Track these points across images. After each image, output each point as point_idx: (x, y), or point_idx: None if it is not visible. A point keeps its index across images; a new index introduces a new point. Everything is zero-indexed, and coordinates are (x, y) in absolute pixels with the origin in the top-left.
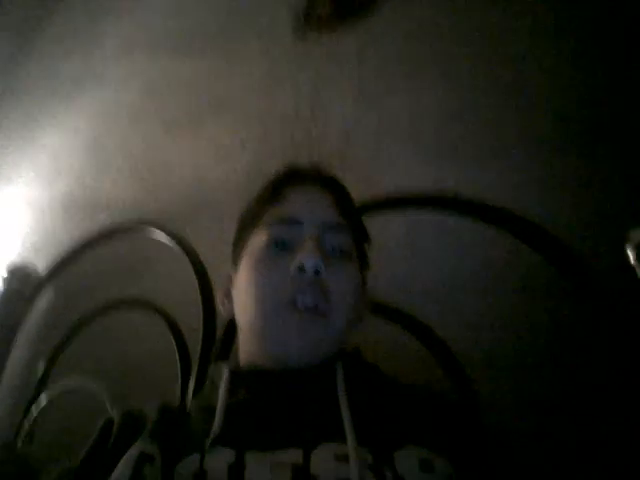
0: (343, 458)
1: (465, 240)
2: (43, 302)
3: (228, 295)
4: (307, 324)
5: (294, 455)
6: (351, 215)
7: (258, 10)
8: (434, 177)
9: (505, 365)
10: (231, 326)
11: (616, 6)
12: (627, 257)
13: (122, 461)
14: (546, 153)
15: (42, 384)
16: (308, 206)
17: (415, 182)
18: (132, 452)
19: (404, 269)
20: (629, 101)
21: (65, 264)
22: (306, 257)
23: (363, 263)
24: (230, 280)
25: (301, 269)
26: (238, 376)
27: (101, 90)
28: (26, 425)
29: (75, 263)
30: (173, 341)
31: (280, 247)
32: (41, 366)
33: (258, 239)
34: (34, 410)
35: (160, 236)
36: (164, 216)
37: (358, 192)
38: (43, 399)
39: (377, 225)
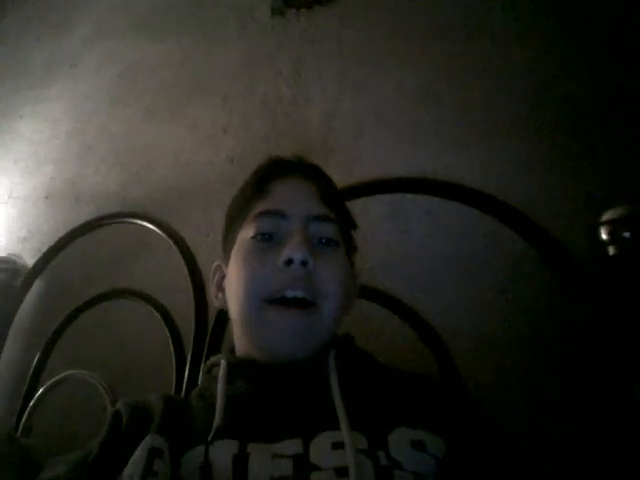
0: (339, 445)
1: (449, 223)
2: (33, 294)
3: (220, 287)
4: (296, 318)
5: (294, 445)
6: (336, 204)
7: None
8: (416, 160)
9: (489, 347)
10: (222, 314)
11: None
12: (600, 236)
13: (133, 457)
14: (526, 137)
15: (37, 376)
16: (293, 198)
17: (397, 165)
18: (142, 448)
19: (388, 252)
20: (609, 85)
21: (53, 255)
22: (293, 250)
23: (350, 248)
24: (221, 272)
25: (289, 262)
26: (235, 367)
27: (76, 76)
28: (24, 417)
29: (63, 254)
30: (166, 330)
31: (267, 240)
32: (35, 358)
33: (245, 233)
34: (30, 402)
35: (147, 225)
36: (148, 203)
37: (341, 175)
38: (39, 391)
39: (360, 208)
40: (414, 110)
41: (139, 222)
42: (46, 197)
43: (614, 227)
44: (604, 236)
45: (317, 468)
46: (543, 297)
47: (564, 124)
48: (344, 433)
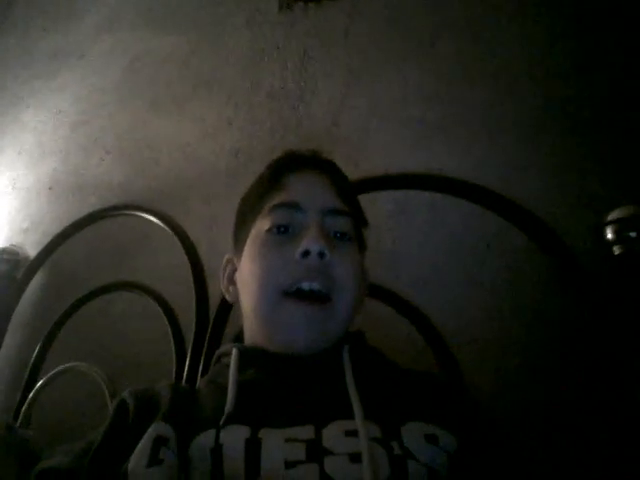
0: (353, 433)
1: (452, 220)
2: (35, 286)
3: (232, 281)
4: (312, 313)
5: (306, 431)
6: (350, 199)
7: None
8: (421, 157)
9: (491, 345)
10: (224, 306)
11: None
12: (605, 236)
13: (139, 445)
14: (531, 136)
15: (37, 367)
16: (309, 191)
17: (402, 161)
18: (148, 437)
19: (391, 248)
20: (613, 84)
21: (55, 246)
22: (311, 242)
23: (361, 246)
24: (233, 266)
25: (306, 254)
26: (246, 356)
27: (83, 67)
28: (23, 409)
29: (65, 245)
30: (167, 322)
31: (283, 232)
32: (36, 350)
33: (260, 225)
34: (30, 394)
35: (150, 218)
36: (152, 195)
37: (346, 170)
38: (39, 383)
39: (364, 204)
40: (419, 106)
41: (142, 214)
42: (50, 188)
43: (620, 227)
44: (610, 235)
45: (330, 453)
46: (546, 296)
47: (568, 123)
48: (357, 419)
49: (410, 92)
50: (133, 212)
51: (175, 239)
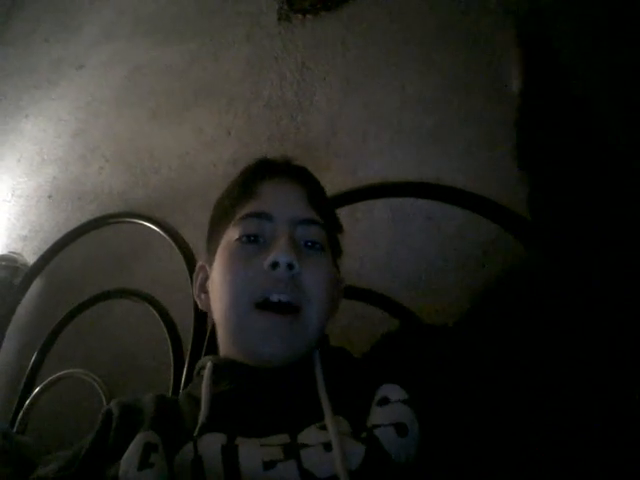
0: (326, 428)
1: (449, 228)
2: (33, 293)
3: (204, 288)
4: (280, 324)
5: (281, 439)
6: (323, 207)
7: None
8: (418, 165)
9: None
10: None
11: None
12: None
13: (129, 450)
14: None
15: (35, 374)
16: (280, 201)
17: (400, 169)
18: (137, 442)
19: (389, 255)
20: (609, 95)
21: (54, 254)
22: (279, 254)
23: (336, 251)
24: (205, 273)
25: (274, 265)
26: (220, 368)
27: (83, 76)
28: (20, 415)
29: (64, 253)
30: (165, 330)
31: (253, 242)
32: (33, 356)
33: (231, 234)
34: (27, 400)
35: (149, 226)
36: (151, 204)
37: (344, 178)
38: (36, 389)
39: (361, 212)
40: (417, 115)
41: (141, 222)
42: (49, 196)
43: None
44: None
45: (305, 445)
46: (542, 301)
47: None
48: (326, 413)
49: (407, 100)
50: (132, 220)
51: (174, 247)
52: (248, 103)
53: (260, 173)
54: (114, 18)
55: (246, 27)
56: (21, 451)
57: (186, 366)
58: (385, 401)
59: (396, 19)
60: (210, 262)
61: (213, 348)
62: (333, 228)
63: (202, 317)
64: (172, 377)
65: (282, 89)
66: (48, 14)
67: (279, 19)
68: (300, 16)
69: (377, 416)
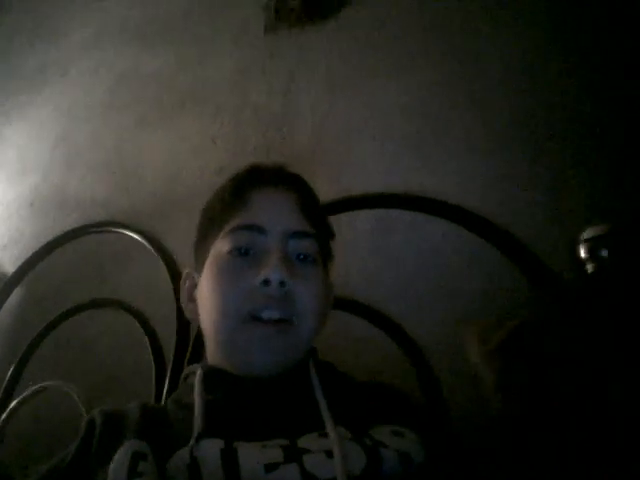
0: (326, 435)
1: (432, 237)
2: (12, 303)
3: (191, 297)
4: (272, 336)
5: (281, 442)
6: (316, 216)
7: (228, 2)
8: (403, 174)
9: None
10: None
11: None
12: (579, 254)
13: (116, 459)
14: (509, 153)
15: (13, 386)
16: (272, 212)
17: (384, 178)
18: (125, 452)
19: (372, 266)
20: (592, 104)
21: (34, 263)
22: (272, 271)
23: (327, 259)
24: (192, 281)
25: (266, 282)
26: (211, 376)
27: (67, 83)
28: None
29: (45, 262)
30: (147, 341)
31: (243, 255)
32: (12, 368)
33: (221, 245)
34: (4, 413)
35: (131, 235)
36: (135, 212)
37: (329, 187)
38: (13, 402)
39: (345, 222)
40: (401, 125)
41: (124, 231)
42: (30, 204)
43: (592, 245)
44: (583, 254)
45: (308, 451)
46: (524, 313)
47: (547, 142)
48: (327, 424)
49: (392, 110)
50: (115, 229)
51: (156, 256)
52: (234, 112)
53: (251, 181)
54: (100, 24)
55: (233, 37)
56: None
57: (168, 377)
58: (399, 434)
59: (381, 30)
60: (198, 271)
61: (196, 359)
62: (325, 236)
63: (184, 328)
64: (154, 388)
65: (268, 98)
66: (33, 19)
67: (266, 30)
68: (287, 27)
69: (386, 438)
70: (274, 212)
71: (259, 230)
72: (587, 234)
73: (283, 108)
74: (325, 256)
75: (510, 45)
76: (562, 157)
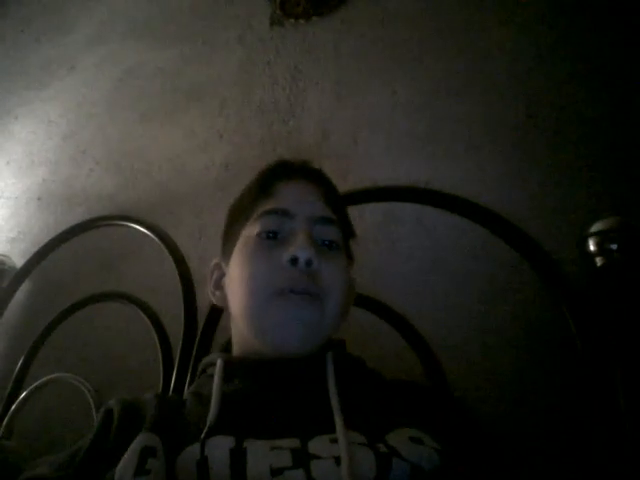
0: (336, 441)
1: (439, 232)
2: (21, 295)
3: (218, 285)
4: (303, 306)
5: (292, 442)
6: (339, 209)
7: None
8: (409, 169)
9: (477, 355)
10: (212, 317)
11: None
12: (587, 247)
13: (125, 455)
14: (517, 148)
15: (22, 378)
16: (298, 199)
17: (390, 173)
18: (134, 447)
19: (379, 259)
20: (599, 98)
21: (42, 256)
22: (299, 249)
23: (349, 256)
24: (220, 270)
25: (293, 261)
26: (231, 366)
27: (74, 78)
28: (5, 420)
29: (53, 255)
30: (154, 333)
31: (272, 238)
32: (21, 360)
33: (250, 231)
34: (14, 405)
35: (139, 228)
36: (142, 207)
37: (335, 182)
38: (23, 393)
39: (352, 216)
40: (408, 120)
41: (130, 225)
42: (38, 198)
43: (601, 239)
44: (592, 247)
45: (317, 457)
46: (532, 307)
47: (553, 137)
48: (338, 427)
49: (398, 105)
50: (121, 222)
51: (164, 249)
52: (240, 106)
53: (278, 174)
54: (106, 20)
55: (239, 31)
56: (6, 456)
57: (175, 370)
58: (418, 440)
59: (387, 24)
60: (227, 259)
61: (203, 352)
62: (347, 231)
63: (192, 320)
64: (161, 381)
65: (274, 93)
66: (39, 14)
67: (272, 23)
68: (292, 21)
69: (403, 445)
70: (300, 199)
71: (287, 214)
72: (595, 227)
73: (289, 102)
74: (347, 251)
75: (517, 42)
76: (570, 151)
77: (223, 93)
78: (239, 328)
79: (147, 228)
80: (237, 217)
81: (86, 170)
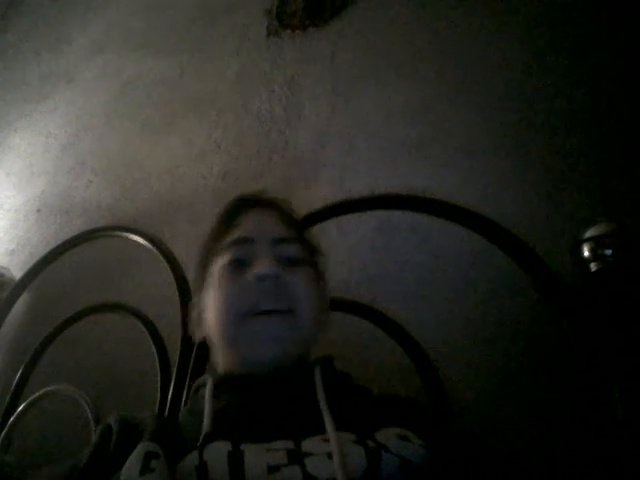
0: (329, 440)
1: (436, 239)
2: (20, 308)
3: (199, 322)
4: (274, 324)
5: (286, 444)
6: (299, 229)
7: (230, 8)
8: (405, 176)
9: (474, 362)
10: None
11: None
12: (582, 253)
13: (130, 459)
14: (511, 155)
15: (20, 390)
16: (259, 226)
17: (386, 181)
18: (138, 451)
19: (375, 267)
20: (591, 105)
21: (41, 268)
22: (262, 267)
23: (318, 269)
24: (198, 307)
25: (260, 279)
26: (221, 383)
27: (73, 90)
28: (3, 432)
29: (51, 267)
30: (152, 345)
31: (239, 265)
32: (19, 372)
33: (220, 262)
34: (12, 417)
35: (137, 239)
36: (140, 218)
37: (331, 190)
38: (21, 406)
39: (348, 224)
40: (403, 127)
41: (129, 236)
42: (38, 210)
43: (596, 244)
44: (586, 253)
45: (310, 454)
46: (528, 314)
47: (548, 143)
48: (328, 426)
49: (394, 112)
50: (120, 233)
51: (162, 260)
52: (237, 116)
53: (239, 207)
54: (105, 31)
55: (236, 42)
56: (4, 470)
57: (173, 381)
58: (405, 438)
59: (383, 35)
60: (201, 295)
61: (201, 362)
62: (310, 248)
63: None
64: (159, 392)
65: (271, 103)
66: (38, 27)
67: (268, 34)
68: (289, 32)
69: (391, 441)
70: (261, 225)
71: (250, 241)
72: (589, 233)
73: (286, 112)
74: (314, 266)
75: (513, 47)
76: (564, 156)
77: (220, 103)
78: (219, 352)
79: (145, 239)
80: (207, 254)
81: (85, 181)
